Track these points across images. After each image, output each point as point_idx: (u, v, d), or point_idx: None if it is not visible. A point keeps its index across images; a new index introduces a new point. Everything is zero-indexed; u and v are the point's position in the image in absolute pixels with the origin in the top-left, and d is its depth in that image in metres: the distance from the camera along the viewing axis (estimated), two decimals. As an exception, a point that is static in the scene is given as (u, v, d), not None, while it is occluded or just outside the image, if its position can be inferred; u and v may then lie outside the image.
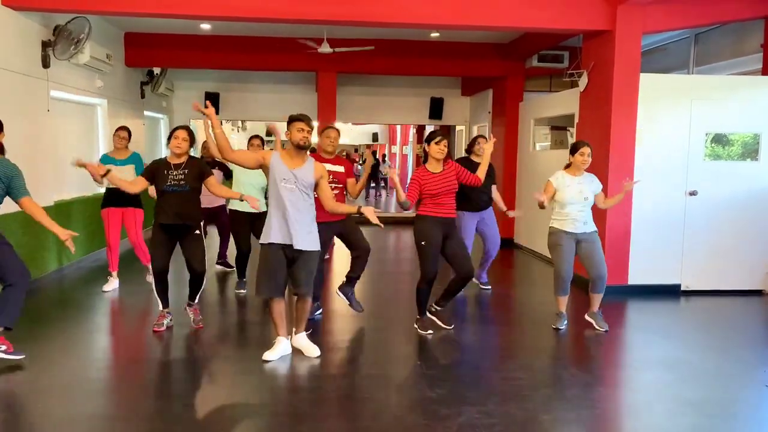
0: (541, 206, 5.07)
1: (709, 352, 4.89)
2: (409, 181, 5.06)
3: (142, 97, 10.28)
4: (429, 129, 16.93)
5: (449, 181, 4.94)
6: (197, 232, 4.96)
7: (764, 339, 5.43)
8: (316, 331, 5.12)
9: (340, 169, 5.24)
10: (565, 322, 5.31)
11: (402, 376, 4.32)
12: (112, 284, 6.45)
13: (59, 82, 7.08)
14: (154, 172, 4.88)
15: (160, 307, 5.12)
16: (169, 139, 4.93)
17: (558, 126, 9.30)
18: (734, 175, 6.67)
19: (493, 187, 6.49)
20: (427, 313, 5.24)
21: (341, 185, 5.24)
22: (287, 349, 4.53)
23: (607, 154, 6.40)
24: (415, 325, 5.21)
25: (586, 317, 5.42)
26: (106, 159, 6.40)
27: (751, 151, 6.90)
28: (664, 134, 6.53)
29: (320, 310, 5.57)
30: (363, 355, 4.76)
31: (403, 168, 22.05)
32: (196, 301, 5.24)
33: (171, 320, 5.17)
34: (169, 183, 4.80)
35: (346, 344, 5.05)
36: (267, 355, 4.43)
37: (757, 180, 6.67)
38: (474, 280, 6.56)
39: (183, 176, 4.82)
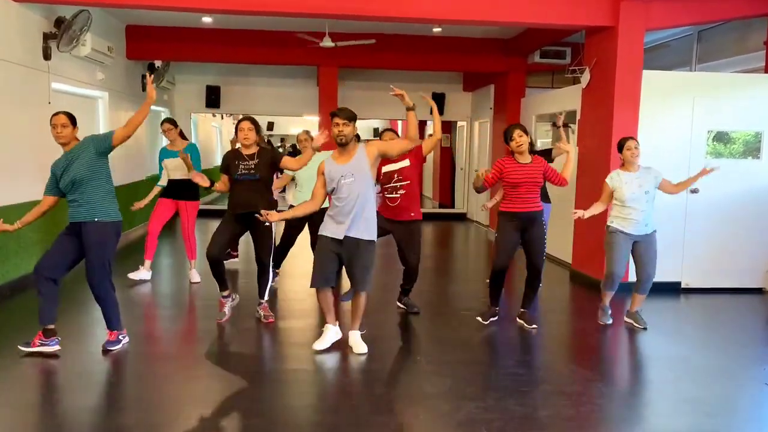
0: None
1: (709, 349, 4.89)
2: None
3: (144, 90, 10.26)
4: (430, 124, 16.90)
5: (534, 173, 4.96)
6: (267, 223, 4.92)
7: (764, 337, 5.44)
8: (320, 325, 5.12)
9: (405, 163, 5.27)
10: (609, 314, 5.37)
11: (402, 372, 4.33)
12: (141, 274, 6.47)
13: (60, 75, 7.06)
14: (227, 165, 4.95)
15: (219, 290, 5.16)
16: (236, 131, 4.98)
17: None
18: (736, 173, 6.65)
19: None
20: (517, 319, 5.35)
21: (409, 181, 5.30)
22: (337, 335, 4.63)
23: (609, 151, 6.39)
24: (482, 315, 5.35)
25: (626, 318, 5.42)
26: (165, 152, 6.54)
27: (752, 150, 6.88)
28: (666, 131, 6.52)
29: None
30: (366, 352, 4.75)
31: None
32: (266, 297, 5.25)
33: (233, 299, 5.26)
34: (240, 172, 4.87)
35: (346, 339, 5.04)
36: (317, 345, 4.53)
37: (759, 178, 6.66)
38: None
39: (254, 166, 4.88)
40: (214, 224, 5.37)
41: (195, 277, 6.55)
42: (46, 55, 6.67)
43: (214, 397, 3.76)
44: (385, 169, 5.27)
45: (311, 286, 4.50)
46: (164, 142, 11.45)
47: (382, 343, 4.92)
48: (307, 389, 4.00)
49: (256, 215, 4.54)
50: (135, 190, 8.80)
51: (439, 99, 12.31)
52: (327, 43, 8.28)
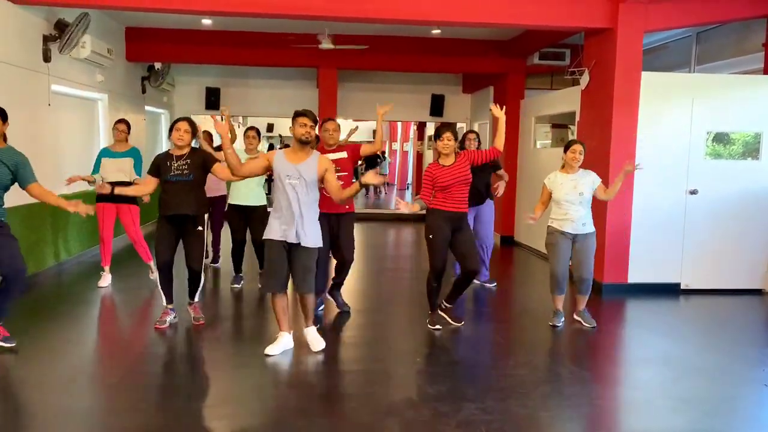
0: (534, 220, 5.17)
1: (708, 350, 4.90)
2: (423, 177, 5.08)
3: (143, 92, 10.27)
4: (430, 126, 16.90)
5: (461, 171, 4.94)
6: (200, 228, 4.94)
7: (763, 338, 5.44)
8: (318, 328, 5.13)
9: (343, 155, 5.26)
10: (562, 319, 5.32)
11: (401, 373, 4.33)
12: (106, 279, 6.41)
13: (60, 77, 7.07)
14: (159, 165, 4.90)
15: (164, 302, 5.08)
16: (170, 131, 4.93)
17: (559, 124, 9.29)
18: (735, 174, 6.66)
19: (500, 172, 6.53)
20: (439, 312, 5.27)
21: (346, 173, 5.25)
22: (289, 343, 4.55)
23: (608, 153, 6.39)
24: (427, 321, 5.23)
25: (575, 316, 5.44)
26: (105, 152, 6.39)
27: (752, 150, 6.89)
28: (665, 133, 6.52)
29: (322, 306, 5.58)
30: (362, 351, 4.76)
31: (403, 165, 22.01)
32: (196, 299, 5.23)
33: (175, 317, 5.15)
34: (172, 173, 4.80)
35: (346, 340, 5.05)
36: (269, 350, 4.45)
37: (758, 179, 6.66)
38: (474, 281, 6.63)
39: (186, 166, 4.83)
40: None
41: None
42: (46, 57, 6.68)
43: (206, 398, 3.76)
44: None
45: (264, 291, 4.46)
46: (166, 145, 11.43)
47: (381, 345, 4.93)
48: (303, 391, 3.99)
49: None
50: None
51: (439, 101, 12.32)
52: (327, 45, 8.30)
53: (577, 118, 7.46)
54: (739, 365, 4.55)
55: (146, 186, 4.97)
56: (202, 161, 4.88)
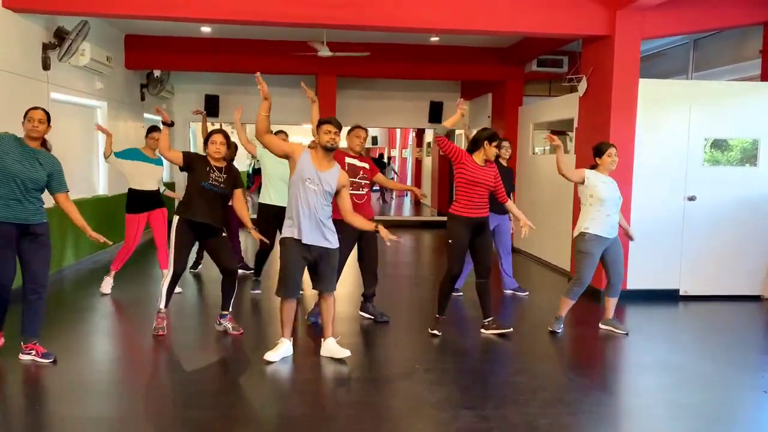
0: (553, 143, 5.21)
1: (707, 357, 4.89)
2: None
3: (142, 99, 10.29)
4: (429, 132, 16.93)
5: (488, 177, 4.99)
6: (224, 234, 5.02)
7: (762, 344, 5.44)
8: (316, 335, 5.12)
9: (366, 165, 5.34)
10: (562, 326, 5.31)
11: (400, 380, 4.32)
12: (108, 284, 6.37)
13: (59, 84, 7.08)
14: (195, 163, 4.85)
15: (162, 305, 5.01)
16: (205, 142, 4.95)
17: (557, 130, 9.31)
18: (733, 180, 6.68)
19: (512, 195, 6.46)
20: (482, 330, 5.26)
21: (369, 181, 5.31)
22: (289, 350, 4.53)
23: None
24: (431, 326, 5.23)
25: (601, 326, 5.42)
26: (137, 153, 6.29)
27: (749, 157, 6.90)
28: (663, 139, 6.54)
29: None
30: (361, 358, 4.75)
31: (402, 171, 22.04)
32: (230, 309, 5.16)
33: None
34: (210, 181, 4.81)
35: (345, 347, 5.03)
36: (269, 356, 4.43)
37: (756, 185, 6.67)
38: (505, 291, 6.75)
39: (224, 180, 4.86)
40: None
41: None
42: (45, 65, 6.69)
43: (208, 406, 3.75)
44: (350, 161, 5.28)
45: (278, 295, 4.43)
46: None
47: (380, 351, 4.92)
48: (302, 398, 3.99)
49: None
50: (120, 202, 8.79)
51: (437, 107, 12.35)
52: (325, 52, 8.32)
53: (575, 125, 7.49)
54: (738, 371, 4.55)
55: (171, 152, 4.88)
56: (234, 181, 4.95)
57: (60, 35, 6.84)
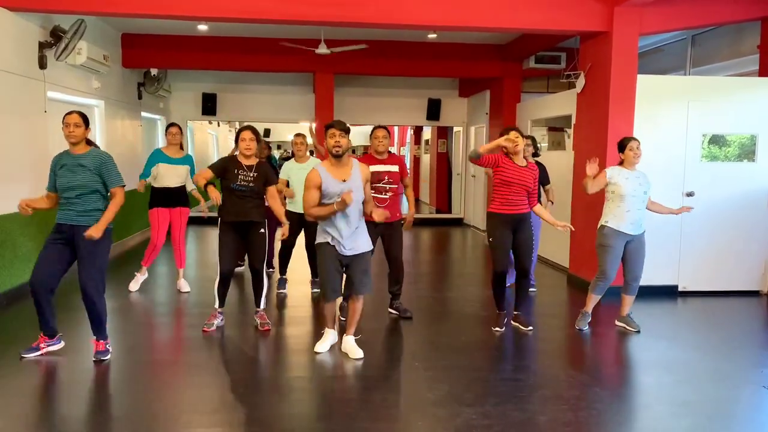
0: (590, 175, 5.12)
1: (706, 352, 4.90)
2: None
3: (140, 98, 10.27)
4: (427, 130, 16.92)
5: (527, 178, 4.99)
6: (262, 230, 5.02)
7: (762, 340, 5.44)
8: (312, 334, 5.12)
9: (394, 168, 5.30)
10: (588, 320, 5.34)
11: (400, 377, 4.32)
12: (139, 280, 6.45)
13: (56, 83, 7.06)
14: (224, 169, 4.91)
15: (216, 305, 5.15)
16: (236, 141, 4.97)
17: (555, 127, 9.31)
18: (731, 176, 6.68)
19: (543, 194, 6.43)
20: (512, 321, 5.38)
21: (396, 185, 5.31)
22: (335, 338, 4.70)
23: (604, 155, 6.40)
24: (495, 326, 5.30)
25: (617, 322, 5.43)
26: (159, 154, 6.40)
27: (748, 152, 6.91)
28: (661, 135, 6.54)
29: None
30: (362, 356, 4.75)
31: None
32: (262, 305, 5.24)
33: (222, 320, 5.22)
34: (238, 182, 4.86)
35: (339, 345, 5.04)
36: (318, 347, 4.59)
37: (754, 181, 6.68)
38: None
39: (252, 178, 4.89)
40: (209, 230, 5.37)
41: (184, 286, 6.48)
42: (42, 64, 6.67)
43: (210, 406, 3.75)
44: (373, 168, 5.28)
45: (326, 302, 4.56)
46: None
47: (379, 349, 4.92)
48: (303, 396, 3.98)
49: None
50: (132, 196, 8.78)
51: (435, 105, 12.35)
52: (322, 50, 8.31)
53: (574, 121, 7.48)
54: (737, 367, 4.55)
55: (204, 178, 4.90)
56: (265, 178, 4.96)
57: (56, 34, 6.82)
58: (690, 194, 6.59)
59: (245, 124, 5.30)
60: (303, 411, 3.76)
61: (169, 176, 6.34)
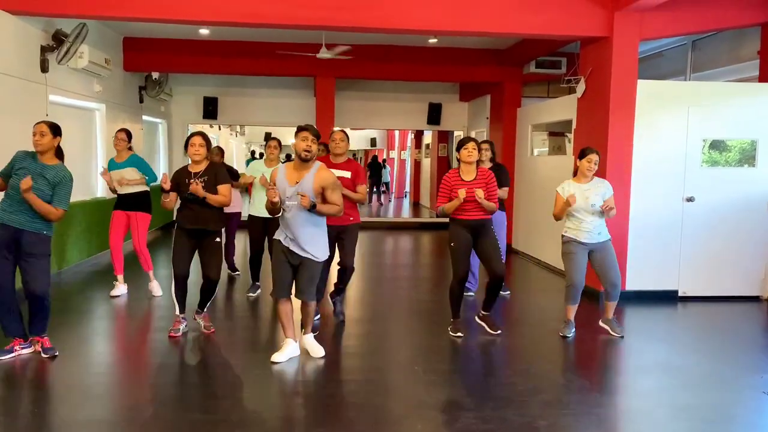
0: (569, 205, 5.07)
1: (706, 357, 4.89)
2: (438, 186, 5.16)
3: (141, 101, 10.29)
4: (427, 134, 16.94)
5: (468, 186, 4.97)
6: (217, 240, 5.00)
7: (762, 345, 5.44)
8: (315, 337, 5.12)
9: (346, 174, 5.25)
10: (573, 330, 5.31)
11: (400, 381, 4.32)
12: (119, 289, 6.37)
13: (58, 87, 7.08)
14: (177, 181, 4.93)
15: (177, 311, 5.11)
16: (185, 146, 4.96)
17: (556, 132, 9.32)
18: (731, 181, 6.68)
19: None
20: (476, 319, 5.39)
21: (348, 190, 5.25)
22: (295, 351, 4.57)
23: (604, 160, 6.40)
24: (449, 328, 5.25)
25: (601, 323, 5.42)
26: (111, 163, 6.41)
27: (748, 158, 6.91)
28: (661, 140, 6.54)
29: (318, 316, 5.57)
30: (361, 360, 4.75)
31: (401, 173, 22.04)
32: (206, 309, 5.23)
33: (186, 326, 5.17)
34: (190, 192, 4.83)
35: (344, 349, 5.04)
36: (275, 357, 4.48)
37: (754, 186, 6.68)
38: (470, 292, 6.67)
39: (203, 183, 4.86)
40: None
41: (156, 290, 6.38)
42: (44, 68, 6.69)
43: (207, 409, 3.74)
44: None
45: (272, 295, 4.51)
46: (163, 155, 11.38)
47: (379, 353, 4.92)
48: (301, 400, 3.99)
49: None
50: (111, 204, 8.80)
51: (436, 109, 12.37)
52: (324, 54, 8.32)
53: (574, 126, 7.49)
54: (737, 372, 4.55)
55: (171, 202, 4.96)
56: (214, 181, 4.92)
57: (58, 38, 6.84)
58: (690, 199, 6.60)
59: (179, 129, 5.25)
60: (302, 415, 3.76)
61: (118, 182, 6.25)
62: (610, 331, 5.32)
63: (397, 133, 21.03)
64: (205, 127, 15.73)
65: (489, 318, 5.36)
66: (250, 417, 3.65)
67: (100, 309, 6.00)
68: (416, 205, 18.22)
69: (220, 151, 7.27)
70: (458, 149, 5.10)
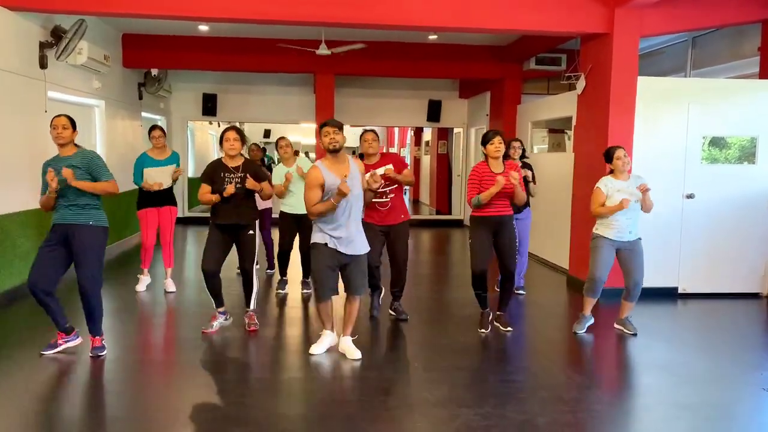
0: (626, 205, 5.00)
1: (706, 355, 4.89)
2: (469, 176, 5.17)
3: (140, 98, 10.27)
4: (427, 131, 16.92)
5: (507, 184, 4.97)
6: (251, 232, 5.00)
7: (762, 342, 5.44)
8: (310, 334, 5.12)
9: (389, 167, 5.26)
10: (586, 326, 5.30)
11: (399, 378, 4.31)
12: (144, 282, 6.46)
13: (56, 83, 7.06)
14: (212, 175, 4.90)
15: (215, 306, 5.13)
16: (220, 142, 4.94)
17: (556, 129, 9.31)
18: (731, 178, 6.68)
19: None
20: (489, 315, 5.38)
21: (396, 185, 5.30)
22: (333, 340, 4.67)
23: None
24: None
25: (616, 325, 5.41)
26: (146, 158, 6.42)
27: (748, 155, 6.91)
28: (661, 137, 6.54)
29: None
30: (361, 357, 4.74)
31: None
32: (252, 306, 5.20)
33: (226, 319, 5.19)
34: (225, 186, 4.82)
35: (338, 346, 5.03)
36: (314, 349, 4.57)
37: (754, 183, 6.68)
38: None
39: (240, 179, 4.86)
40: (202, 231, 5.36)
41: (170, 286, 6.45)
42: (43, 64, 6.67)
43: (206, 406, 3.74)
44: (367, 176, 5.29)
45: (318, 302, 4.54)
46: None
47: (379, 351, 4.92)
48: (302, 398, 3.98)
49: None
50: (130, 196, 8.79)
51: (436, 106, 12.35)
52: (323, 51, 8.30)
53: (574, 123, 7.48)
54: (737, 369, 4.55)
55: (203, 195, 4.93)
56: (253, 175, 4.92)
57: (57, 34, 6.82)
58: (690, 196, 6.59)
59: (230, 124, 5.28)
60: (302, 412, 3.76)
61: (156, 178, 6.30)
62: (625, 330, 5.31)
63: (396, 130, 21.01)
64: (204, 124, 15.76)
65: (502, 317, 5.36)
66: (249, 414, 3.64)
67: (121, 303, 5.98)
68: (416, 203, 18.21)
69: (258, 147, 7.30)
70: (484, 144, 5.05)
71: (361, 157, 5.42)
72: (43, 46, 6.66)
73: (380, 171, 5.00)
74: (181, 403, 3.83)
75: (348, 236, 4.37)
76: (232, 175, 4.87)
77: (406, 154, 21.09)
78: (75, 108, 8.08)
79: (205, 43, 9.51)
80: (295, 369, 4.43)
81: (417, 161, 18.95)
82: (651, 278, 6.56)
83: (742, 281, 6.76)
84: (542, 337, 5.24)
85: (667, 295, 6.65)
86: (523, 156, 6.52)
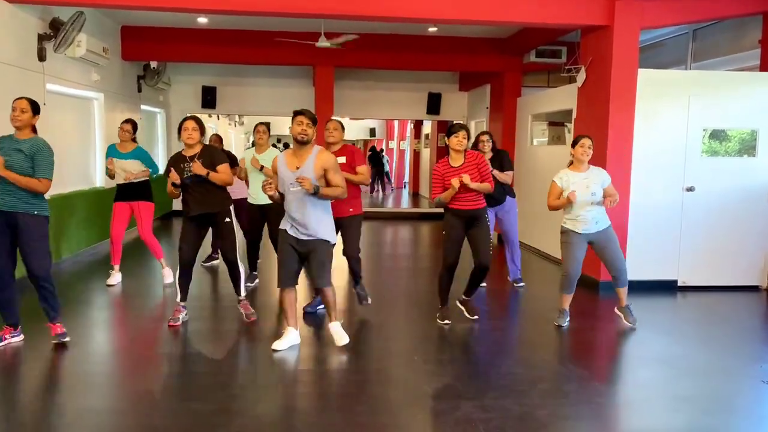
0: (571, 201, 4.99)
1: (706, 347, 4.90)
2: (431, 176, 5.14)
3: (139, 90, 10.24)
4: (427, 124, 16.90)
5: (469, 173, 4.95)
6: (228, 220, 4.98)
7: (761, 335, 5.45)
8: (316, 325, 5.13)
9: (341, 160, 5.23)
10: (567, 319, 5.30)
11: (399, 371, 4.32)
12: (115, 278, 6.40)
13: (55, 76, 7.04)
14: (173, 167, 4.90)
15: (178, 299, 5.09)
16: (179, 132, 4.93)
17: (556, 121, 9.29)
18: (731, 171, 6.67)
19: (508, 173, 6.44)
20: (457, 302, 5.40)
21: (348, 174, 5.25)
22: (296, 339, 4.59)
23: (604, 150, 6.39)
24: (437, 315, 5.27)
25: (616, 311, 5.39)
26: (112, 150, 6.38)
27: (748, 147, 6.89)
28: (661, 130, 6.52)
29: (321, 305, 5.57)
30: (360, 350, 4.75)
31: (400, 163, 22.02)
32: (243, 295, 5.22)
33: (186, 315, 5.16)
34: (186, 175, 4.82)
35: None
36: (276, 345, 4.50)
37: (754, 176, 6.67)
38: (507, 278, 6.77)
39: (191, 167, 4.84)
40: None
41: (168, 277, 6.40)
42: (41, 56, 6.65)
43: (207, 398, 3.74)
44: None
45: (278, 287, 4.53)
46: (162, 144, 11.37)
47: (378, 343, 4.92)
48: (301, 390, 3.99)
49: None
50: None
51: (435, 99, 12.32)
52: (323, 43, 8.28)
53: (574, 116, 7.46)
54: (737, 362, 4.56)
55: (173, 193, 4.95)
56: (210, 160, 4.89)
57: (55, 26, 6.80)
58: (690, 189, 6.58)
59: (178, 117, 5.22)
60: (302, 405, 3.76)
61: (122, 171, 6.26)
62: (624, 320, 5.31)
63: (396, 123, 20.98)
64: (203, 117, 15.72)
65: (469, 303, 5.40)
66: (250, 406, 3.65)
67: (100, 299, 6.00)
68: (415, 196, 18.21)
69: (219, 138, 7.22)
70: (448, 135, 5.06)
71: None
72: (41, 38, 6.64)
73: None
74: (185, 396, 3.84)
75: (302, 222, 4.36)
76: (188, 164, 4.84)
77: (406, 146, 21.10)
78: (74, 100, 8.07)
79: (205, 36, 9.48)
80: (294, 361, 4.43)
81: (417, 154, 18.93)
82: (651, 271, 6.60)
83: (742, 274, 6.76)
84: (542, 330, 5.24)
85: (667, 287, 6.65)
86: (494, 147, 6.41)
